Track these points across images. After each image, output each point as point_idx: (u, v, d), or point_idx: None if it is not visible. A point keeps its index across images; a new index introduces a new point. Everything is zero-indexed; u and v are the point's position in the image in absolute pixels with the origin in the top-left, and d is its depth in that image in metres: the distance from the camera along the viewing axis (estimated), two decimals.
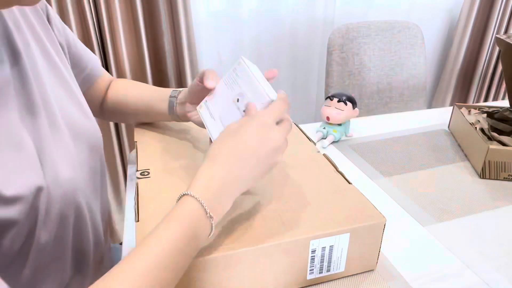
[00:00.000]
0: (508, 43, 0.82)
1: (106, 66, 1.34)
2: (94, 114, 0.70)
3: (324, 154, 0.65)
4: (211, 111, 0.55)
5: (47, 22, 0.56)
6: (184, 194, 0.41)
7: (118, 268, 0.36)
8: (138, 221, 0.48)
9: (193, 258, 0.41)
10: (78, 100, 0.57)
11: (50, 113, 0.49)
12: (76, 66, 0.64)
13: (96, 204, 0.58)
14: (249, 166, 0.43)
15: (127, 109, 0.72)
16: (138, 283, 0.35)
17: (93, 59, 0.68)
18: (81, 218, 0.53)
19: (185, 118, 0.66)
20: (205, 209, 0.40)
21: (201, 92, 0.58)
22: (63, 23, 0.61)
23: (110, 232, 1.58)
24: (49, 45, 0.54)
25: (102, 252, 0.62)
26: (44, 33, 0.54)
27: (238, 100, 0.52)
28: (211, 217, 0.40)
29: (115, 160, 1.50)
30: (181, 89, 0.67)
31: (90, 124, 0.57)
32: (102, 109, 0.74)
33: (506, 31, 1.81)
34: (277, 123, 0.47)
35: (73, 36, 0.63)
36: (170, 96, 0.66)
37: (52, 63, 0.54)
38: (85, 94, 0.63)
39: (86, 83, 0.68)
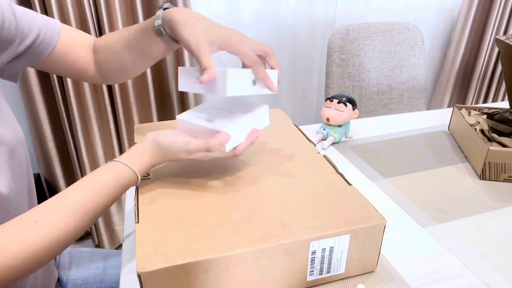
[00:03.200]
0: (508, 44, 0.82)
1: None
2: (90, 79, 0.67)
3: (324, 155, 0.65)
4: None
5: None
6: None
7: (46, 203, 0.47)
8: (138, 222, 0.48)
9: (117, 197, 0.52)
10: None
11: None
12: (15, 38, 0.54)
13: (17, 209, 0.55)
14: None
15: (124, 58, 0.64)
16: (64, 214, 0.46)
17: (46, 24, 0.59)
18: None
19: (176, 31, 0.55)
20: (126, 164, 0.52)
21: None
22: None
23: (110, 233, 1.58)
24: None
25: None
26: None
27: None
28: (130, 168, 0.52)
29: None
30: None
31: (6, 124, 0.53)
32: (100, 72, 0.67)
33: (505, 32, 1.81)
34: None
35: (9, 11, 0.53)
36: (156, 27, 0.57)
37: None
38: (48, 62, 0.60)
39: (42, 52, 0.59)
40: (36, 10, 1.17)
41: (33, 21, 0.56)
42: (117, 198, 0.53)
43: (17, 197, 0.54)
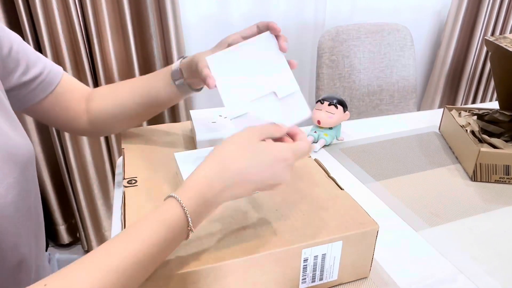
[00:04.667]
0: (497, 45, 0.82)
1: (94, 71, 1.32)
2: (77, 129, 0.66)
3: (315, 159, 0.64)
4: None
5: None
6: (173, 197, 0.40)
7: (90, 258, 0.36)
8: None
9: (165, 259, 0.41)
10: (7, 112, 0.51)
11: None
12: (19, 66, 0.56)
13: (25, 227, 0.53)
14: (248, 188, 0.43)
15: (124, 112, 0.65)
16: (107, 278, 0.35)
17: (51, 65, 0.61)
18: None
19: (196, 79, 0.59)
20: (188, 221, 0.40)
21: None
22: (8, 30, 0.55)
23: (99, 239, 1.56)
24: None
25: (36, 276, 0.56)
26: None
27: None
28: (191, 230, 0.40)
29: (104, 165, 1.47)
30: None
31: (21, 139, 0.52)
32: (89, 123, 0.67)
33: (493, 32, 1.82)
34: None
35: (19, 42, 0.56)
36: (173, 69, 0.62)
37: None
38: (45, 103, 0.60)
39: (44, 89, 0.60)
40: (20, 11, 1.15)
41: (39, 58, 0.59)
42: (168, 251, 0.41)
43: (22, 216, 0.51)
